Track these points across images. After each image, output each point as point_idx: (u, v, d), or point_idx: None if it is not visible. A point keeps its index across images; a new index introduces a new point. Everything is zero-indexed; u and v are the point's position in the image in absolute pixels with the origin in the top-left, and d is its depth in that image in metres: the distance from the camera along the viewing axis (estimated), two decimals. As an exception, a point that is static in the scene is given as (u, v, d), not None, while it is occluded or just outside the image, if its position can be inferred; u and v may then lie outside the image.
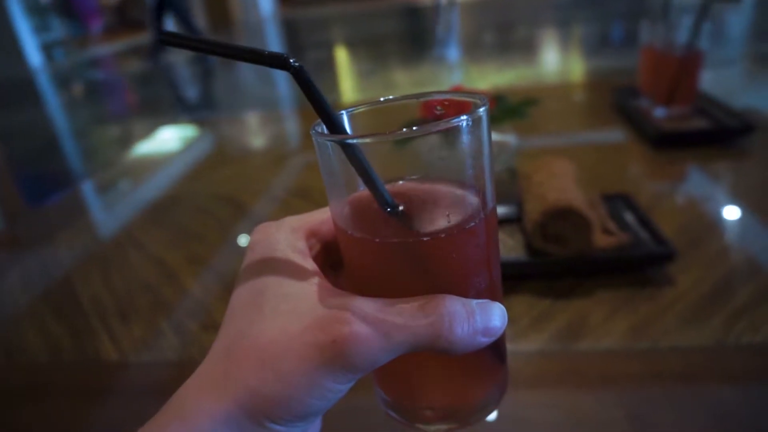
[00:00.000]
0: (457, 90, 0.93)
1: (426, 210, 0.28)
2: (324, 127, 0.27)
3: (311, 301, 0.26)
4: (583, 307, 0.63)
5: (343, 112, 0.30)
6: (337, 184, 0.28)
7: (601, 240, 0.68)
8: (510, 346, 0.58)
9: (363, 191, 0.27)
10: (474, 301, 0.26)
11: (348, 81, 2.30)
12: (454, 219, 0.27)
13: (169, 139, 1.69)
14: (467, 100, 0.30)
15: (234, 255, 0.87)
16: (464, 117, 0.25)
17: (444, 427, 0.31)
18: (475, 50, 3.04)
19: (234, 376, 0.24)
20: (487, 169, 0.28)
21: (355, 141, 0.25)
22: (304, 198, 1.03)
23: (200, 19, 7.25)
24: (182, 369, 0.63)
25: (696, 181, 0.94)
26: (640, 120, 1.13)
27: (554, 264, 0.68)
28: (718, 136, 1.05)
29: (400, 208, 0.27)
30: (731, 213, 0.82)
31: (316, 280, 0.27)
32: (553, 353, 0.57)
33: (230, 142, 1.59)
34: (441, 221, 0.28)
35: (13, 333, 0.74)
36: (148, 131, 1.83)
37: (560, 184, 0.70)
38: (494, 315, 0.27)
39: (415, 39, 3.94)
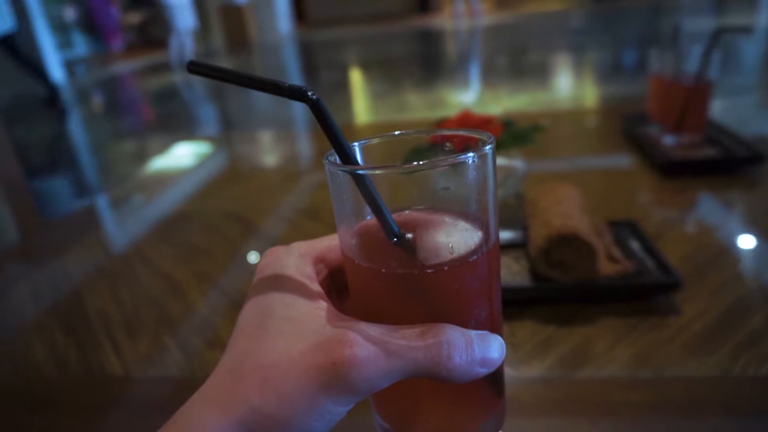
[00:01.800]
0: (465, 115, 0.94)
1: (430, 241, 0.29)
2: (337, 156, 0.29)
3: (315, 324, 0.27)
4: (587, 335, 0.63)
5: (356, 144, 0.31)
6: (347, 212, 0.30)
7: (606, 267, 0.68)
8: (512, 373, 0.58)
9: (370, 220, 0.29)
10: (473, 332, 0.27)
11: (362, 102, 2.33)
12: (458, 252, 0.28)
13: (183, 155, 1.72)
14: (474, 137, 0.31)
15: (241, 273, 0.88)
16: (471, 154, 0.27)
17: None
18: (488, 74, 3.07)
19: (238, 394, 0.25)
20: (491, 204, 0.29)
21: (365, 172, 0.27)
22: (314, 219, 1.04)
23: (217, 39, 7.39)
24: (186, 385, 0.63)
25: (704, 210, 0.94)
26: (649, 147, 1.13)
27: (558, 290, 0.67)
28: (727, 165, 1.05)
29: (407, 236, 0.28)
30: (739, 242, 0.81)
31: (321, 304, 0.28)
32: (555, 380, 0.57)
33: (243, 159, 1.61)
34: (445, 253, 0.28)
35: (20, 345, 0.75)
36: (164, 147, 1.86)
37: (566, 210, 0.70)
38: (492, 346, 0.27)
39: (429, 62, 3.98)
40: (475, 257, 0.28)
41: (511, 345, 0.62)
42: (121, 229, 1.17)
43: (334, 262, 0.33)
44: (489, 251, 0.29)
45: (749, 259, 0.78)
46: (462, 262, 0.28)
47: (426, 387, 0.31)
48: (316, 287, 0.30)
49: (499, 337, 0.28)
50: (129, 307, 0.80)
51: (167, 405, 0.61)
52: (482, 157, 0.27)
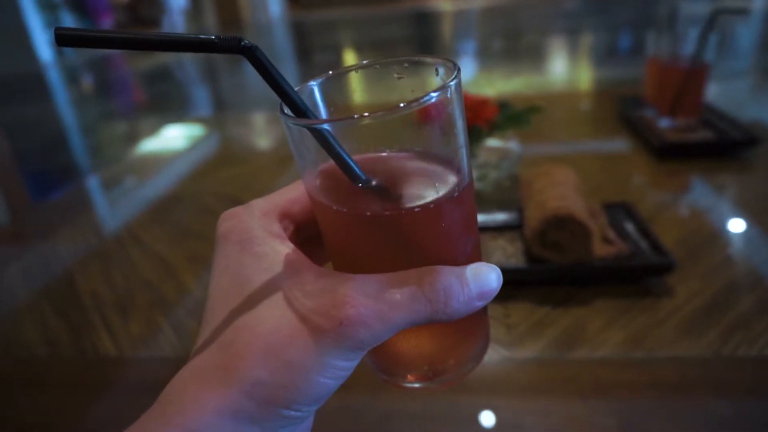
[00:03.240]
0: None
1: (407, 182, 0.28)
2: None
3: (304, 285, 0.26)
4: (581, 316, 0.63)
5: (313, 83, 0.30)
6: (312, 159, 0.28)
7: (601, 249, 0.68)
8: (506, 353, 0.59)
9: (332, 168, 0.27)
10: (468, 269, 0.27)
11: (357, 82, 2.31)
12: (435, 190, 0.27)
13: (174, 137, 1.70)
14: (434, 67, 0.29)
15: (235, 254, 0.87)
16: (433, 94, 0.25)
17: (422, 385, 0.32)
18: (483, 57, 3.04)
19: (237, 368, 0.24)
20: (461, 139, 0.28)
21: (323, 126, 0.25)
22: (307, 199, 1.04)
23: (210, 20, 7.29)
24: (179, 366, 0.63)
25: (698, 193, 0.94)
26: (644, 130, 1.13)
27: (553, 272, 0.68)
28: (722, 148, 1.05)
29: (374, 182, 0.27)
30: (733, 225, 0.82)
31: (300, 263, 0.27)
32: (549, 361, 0.57)
33: (235, 141, 1.59)
34: (425, 192, 0.28)
35: (12, 327, 0.74)
36: (155, 129, 1.84)
37: (561, 192, 0.70)
38: (489, 278, 0.27)
39: (424, 43, 3.94)
40: (452, 195, 0.27)
41: (506, 326, 0.62)
42: (112, 210, 1.16)
43: (298, 215, 0.31)
44: (465, 188, 0.28)
45: (741, 243, 0.78)
46: (442, 200, 0.27)
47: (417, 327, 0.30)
48: (289, 246, 0.28)
49: (493, 267, 0.28)
50: (122, 289, 0.79)
51: (160, 385, 0.61)
52: (445, 98, 0.25)
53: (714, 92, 1.34)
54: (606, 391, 0.53)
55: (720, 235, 0.80)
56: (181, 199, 1.13)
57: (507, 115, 0.93)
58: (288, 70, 3.27)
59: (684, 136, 1.09)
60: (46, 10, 5.76)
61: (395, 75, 0.31)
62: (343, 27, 5.58)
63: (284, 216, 0.30)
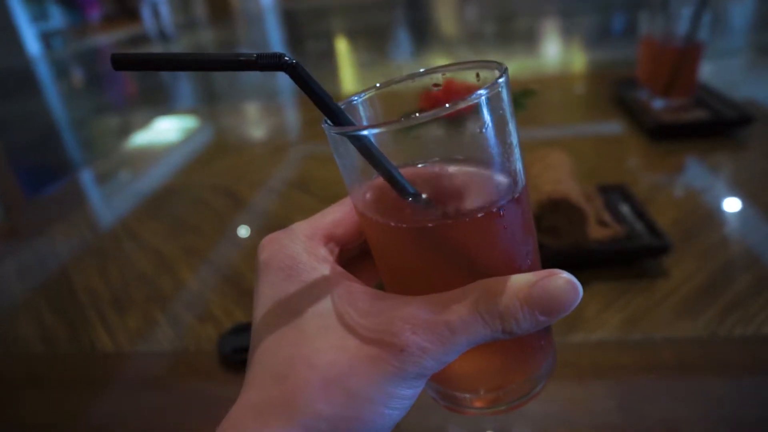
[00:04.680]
0: (448, 82, 0.92)
1: (460, 190, 0.27)
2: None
3: (358, 311, 0.25)
4: (578, 299, 0.63)
5: (356, 98, 0.28)
6: (359, 174, 0.27)
7: (596, 232, 0.68)
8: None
9: (381, 184, 0.26)
10: (529, 282, 0.25)
11: (348, 71, 2.29)
12: (495, 195, 0.26)
13: (167, 129, 1.69)
14: (474, 71, 0.27)
15: (231, 247, 0.87)
16: (481, 92, 0.23)
17: (491, 411, 0.30)
18: (475, 41, 3.03)
19: (297, 402, 0.23)
20: (514, 143, 0.26)
21: (363, 133, 0.24)
22: (303, 191, 1.03)
23: (199, 10, 7.21)
24: (177, 360, 0.63)
25: (693, 173, 0.94)
26: (638, 111, 1.12)
27: (549, 256, 0.67)
28: (716, 127, 1.04)
29: (423, 195, 0.26)
30: (728, 205, 0.82)
31: (350, 286, 0.26)
32: (546, 345, 0.57)
33: (229, 132, 1.58)
34: (480, 199, 0.26)
35: (8, 324, 0.74)
36: (146, 122, 1.82)
37: (556, 176, 0.70)
38: (555, 291, 0.25)
39: (415, 29, 3.91)
40: (510, 199, 0.26)
41: (503, 311, 0.62)
42: (107, 205, 1.15)
43: (343, 237, 0.30)
44: (521, 190, 0.26)
45: (736, 222, 0.78)
46: (500, 206, 0.25)
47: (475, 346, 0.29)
48: (337, 270, 0.27)
49: (567, 278, 0.25)
50: (118, 284, 0.79)
51: (158, 380, 0.62)
52: (495, 95, 0.24)
53: (708, 71, 1.33)
54: (604, 373, 0.53)
55: (715, 215, 0.80)
56: (175, 191, 1.12)
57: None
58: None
59: (678, 116, 1.09)
60: (32, 3, 5.68)
61: (433, 85, 0.29)
62: (333, 14, 5.53)
63: (329, 239, 0.29)
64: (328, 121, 0.25)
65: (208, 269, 0.80)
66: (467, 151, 0.27)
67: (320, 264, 0.27)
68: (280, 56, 0.22)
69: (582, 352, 0.56)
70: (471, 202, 0.27)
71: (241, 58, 0.22)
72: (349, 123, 0.25)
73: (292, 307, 0.25)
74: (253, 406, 0.24)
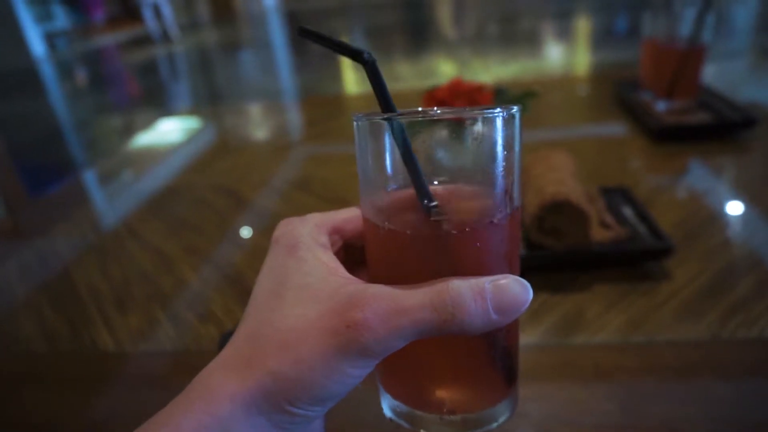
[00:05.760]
0: (455, 83, 0.93)
1: (456, 205, 0.29)
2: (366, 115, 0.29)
3: (330, 289, 0.27)
4: (580, 301, 0.63)
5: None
6: (374, 174, 0.29)
7: (599, 233, 0.68)
8: (505, 339, 0.58)
9: (394, 191, 0.29)
10: (486, 279, 0.26)
11: (351, 72, 2.29)
12: (485, 214, 0.28)
13: (170, 129, 1.69)
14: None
15: (232, 247, 0.87)
16: (499, 109, 0.27)
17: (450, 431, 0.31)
18: (478, 42, 3.02)
19: (256, 360, 0.25)
20: (516, 167, 0.29)
21: (403, 119, 0.27)
22: (305, 191, 1.03)
23: (202, 10, 7.22)
24: (178, 359, 0.63)
25: (696, 175, 0.94)
26: (641, 113, 1.12)
27: (551, 257, 0.67)
28: (719, 129, 1.04)
29: (435, 202, 0.28)
30: (731, 207, 0.81)
31: (336, 270, 0.29)
32: (548, 347, 0.57)
33: (231, 132, 1.58)
34: (471, 215, 0.28)
35: (10, 322, 0.74)
36: (150, 122, 1.83)
37: (558, 177, 0.70)
38: (510, 291, 0.26)
39: (418, 30, 3.92)
40: (500, 219, 0.28)
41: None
42: (109, 204, 1.15)
43: (349, 234, 0.33)
44: (513, 213, 0.29)
45: (739, 225, 0.78)
46: (488, 224, 0.28)
47: (435, 361, 0.30)
48: (330, 255, 0.30)
49: (520, 280, 0.27)
50: (120, 283, 0.79)
51: (160, 379, 0.62)
52: (510, 118, 0.27)
53: (711, 73, 1.33)
54: (606, 375, 0.53)
55: (718, 217, 0.80)
56: (177, 191, 1.12)
57: (503, 101, 0.93)
58: (282, 61, 3.25)
59: (681, 118, 1.08)
60: (37, 4, 5.70)
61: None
62: (336, 15, 5.54)
63: (335, 231, 0.32)
64: (362, 117, 0.29)
65: (210, 269, 0.80)
66: (474, 163, 0.29)
67: (317, 247, 0.30)
68: (364, 52, 0.27)
69: (584, 353, 0.56)
70: (463, 214, 0.29)
71: (351, 48, 0.28)
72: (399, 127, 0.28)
73: (281, 279, 0.28)
74: (222, 361, 0.27)
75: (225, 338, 0.62)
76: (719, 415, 0.47)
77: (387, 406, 0.33)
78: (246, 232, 0.92)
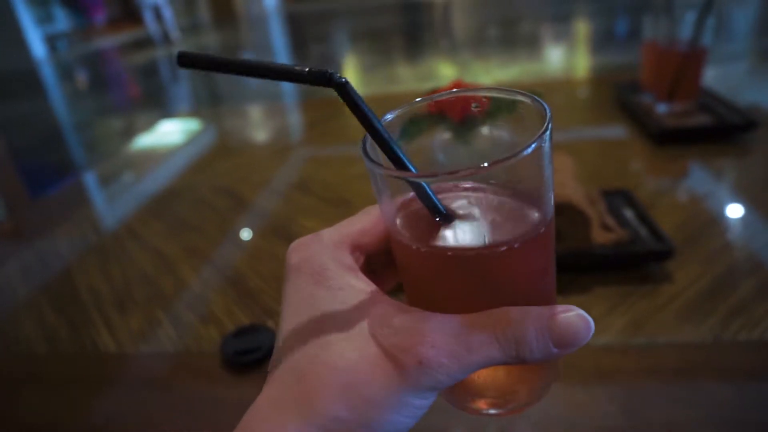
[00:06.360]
0: (456, 84, 0.93)
1: (490, 219, 0.28)
2: (371, 143, 0.26)
3: (380, 321, 0.26)
4: (581, 303, 0.62)
5: (387, 116, 0.29)
6: (393, 191, 0.28)
7: (600, 236, 0.68)
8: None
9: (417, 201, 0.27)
10: (548, 314, 0.26)
11: (352, 75, 2.30)
12: (520, 231, 0.27)
13: (170, 131, 1.69)
14: (512, 98, 0.28)
15: (233, 248, 0.87)
16: (533, 145, 0.24)
17: (494, 411, 0.32)
18: (478, 45, 3.03)
19: (315, 403, 0.24)
20: (548, 181, 0.27)
21: (416, 180, 0.25)
22: (305, 192, 1.03)
23: (203, 12, 7.23)
24: (179, 360, 0.63)
25: (697, 178, 0.94)
26: (642, 116, 1.12)
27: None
28: (720, 132, 1.04)
29: (456, 219, 0.27)
30: (732, 210, 0.81)
31: (376, 297, 0.27)
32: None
33: (232, 134, 1.59)
34: (508, 231, 0.27)
35: (11, 323, 0.74)
36: (150, 123, 1.83)
37: (559, 180, 0.70)
38: (571, 326, 0.26)
39: (418, 33, 3.93)
40: (536, 234, 0.26)
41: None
42: (110, 206, 1.15)
43: (368, 246, 0.31)
44: (548, 225, 0.27)
45: (740, 227, 0.78)
46: (526, 240, 0.26)
47: None
48: (363, 279, 0.28)
49: (583, 315, 0.26)
50: (120, 284, 0.79)
51: (161, 380, 0.62)
52: (539, 148, 0.24)
53: (711, 76, 1.33)
54: (608, 377, 0.53)
55: (719, 220, 0.80)
56: (177, 192, 1.12)
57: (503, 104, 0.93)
58: (284, 62, 3.25)
59: (682, 121, 1.08)
60: (37, 6, 5.71)
61: (473, 106, 0.31)
62: (337, 18, 5.55)
63: (355, 248, 0.30)
64: (369, 151, 0.26)
65: (211, 270, 0.80)
66: (504, 179, 0.27)
67: (347, 272, 0.28)
68: (330, 74, 0.24)
69: (585, 355, 0.56)
70: (501, 232, 0.27)
71: (294, 70, 0.24)
72: (392, 142, 0.26)
73: (318, 312, 0.27)
74: (273, 401, 0.25)
75: (226, 341, 0.62)
76: (721, 417, 0.47)
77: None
78: (246, 233, 0.92)
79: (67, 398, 0.59)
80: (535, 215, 0.27)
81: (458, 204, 0.28)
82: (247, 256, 0.83)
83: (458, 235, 0.27)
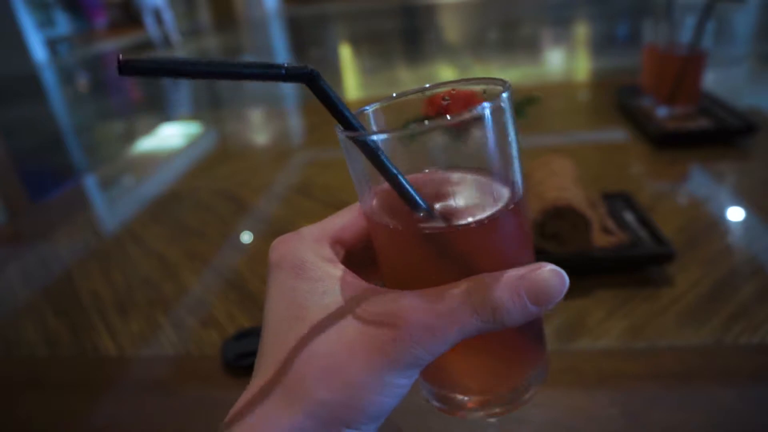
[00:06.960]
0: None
1: (460, 198, 0.29)
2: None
3: (357, 304, 0.26)
4: (582, 307, 0.63)
5: (368, 108, 0.30)
6: (367, 177, 0.29)
7: (601, 239, 0.68)
8: (507, 345, 0.58)
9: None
10: (517, 274, 0.26)
11: (352, 78, 2.30)
12: (492, 204, 0.28)
13: (171, 135, 1.70)
14: (478, 88, 0.29)
15: (234, 251, 0.87)
16: (486, 104, 0.25)
17: (483, 413, 0.31)
18: (479, 48, 3.03)
19: (299, 389, 0.25)
20: (514, 154, 0.28)
21: (373, 138, 0.26)
22: (306, 196, 1.03)
23: (204, 15, 7.25)
24: (180, 365, 0.63)
25: (697, 181, 0.94)
26: (642, 119, 1.12)
27: (553, 263, 0.67)
28: (720, 136, 1.04)
29: (426, 204, 0.27)
30: (732, 213, 0.81)
31: (354, 284, 0.28)
32: (551, 352, 0.57)
33: (233, 138, 1.59)
34: (479, 208, 0.28)
35: (12, 327, 0.74)
36: (151, 127, 1.83)
37: (560, 183, 0.70)
38: (543, 281, 0.26)
39: (418, 36, 3.93)
40: (506, 209, 0.27)
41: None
42: (111, 209, 1.15)
43: (349, 241, 0.32)
44: (518, 201, 0.28)
45: (741, 230, 0.78)
46: (496, 215, 0.27)
47: (466, 347, 0.30)
48: (341, 268, 0.29)
49: (554, 269, 0.26)
50: (121, 288, 0.79)
51: (162, 384, 0.62)
52: (497, 108, 0.25)
53: (712, 80, 1.33)
54: (608, 381, 0.53)
55: (719, 223, 0.80)
56: (179, 196, 1.12)
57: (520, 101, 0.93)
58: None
59: (682, 124, 1.09)
60: (39, 10, 5.73)
61: (443, 99, 0.31)
62: (337, 21, 5.56)
63: (335, 242, 0.31)
64: (341, 127, 0.27)
65: (212, 274, 0.80)
66: (469, 160, 0.28)
67: (325, 263, 0.29)
68: (311, 71, 0.24)
69: (585, 359, 0.56)
70: (471, 211, 0.28)
71: (270, 70, 0.23)
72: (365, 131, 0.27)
73: (298, 302, 0.27)
74: (259, 393, 0.26)
75: (227, 344, 0.62)
76: (722, 421, 0.47)
77: (424, 390, 0.33)
78: (248, 237, 0.92)
79: (68, 402, 0.59)
80: (504, 191, 0.28)
81: (429, 184, 0.29)
82: (248, 259, 0.83)
83: (431, 213, 0.28)
